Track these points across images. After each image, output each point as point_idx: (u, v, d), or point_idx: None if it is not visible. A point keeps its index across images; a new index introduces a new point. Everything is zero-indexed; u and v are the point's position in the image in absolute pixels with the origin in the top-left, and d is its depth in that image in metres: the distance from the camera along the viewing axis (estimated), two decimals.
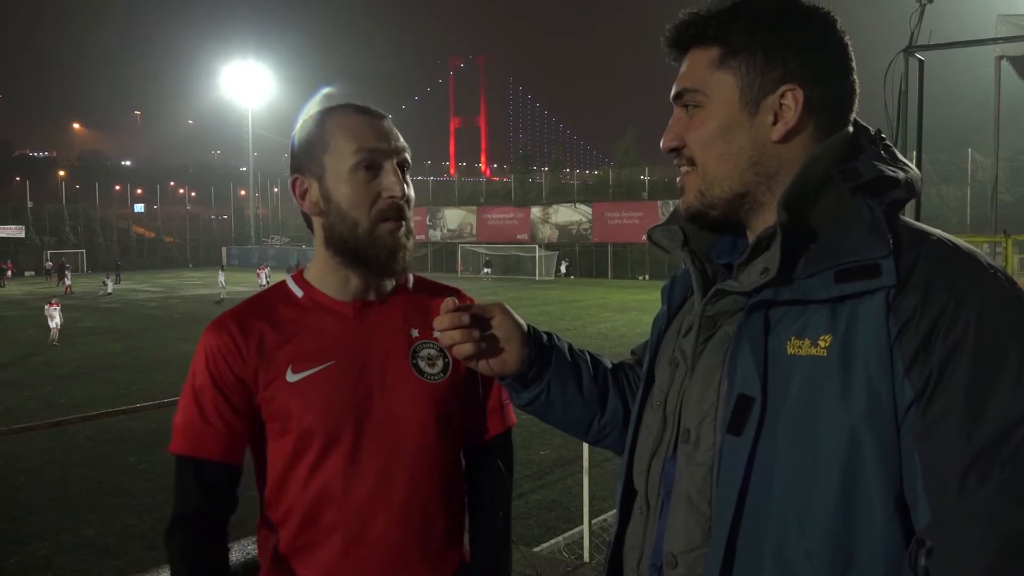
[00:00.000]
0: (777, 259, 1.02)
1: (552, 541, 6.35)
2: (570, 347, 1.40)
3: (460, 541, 1.57)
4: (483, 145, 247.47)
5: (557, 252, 50.62)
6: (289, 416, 1.42)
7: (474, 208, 58.20)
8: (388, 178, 1.42)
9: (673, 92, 1.16)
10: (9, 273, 49.83)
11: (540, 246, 51.44)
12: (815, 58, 1.08)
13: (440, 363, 1.51)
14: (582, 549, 5.88)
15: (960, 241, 1.02)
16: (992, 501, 0.88)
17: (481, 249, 53.76)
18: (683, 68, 1.15)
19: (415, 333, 1.51)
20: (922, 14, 5.65)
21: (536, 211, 54.00)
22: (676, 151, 1.16)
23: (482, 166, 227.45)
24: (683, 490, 1.12)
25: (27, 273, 51.78)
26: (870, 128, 1.14)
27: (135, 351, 19.62)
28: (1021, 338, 0.93)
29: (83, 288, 42.26)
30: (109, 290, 39.72)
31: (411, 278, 1.60)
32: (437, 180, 76.84)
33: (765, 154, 1.09)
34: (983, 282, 0.96)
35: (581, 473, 5.89)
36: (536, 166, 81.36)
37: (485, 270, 51.46)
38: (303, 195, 1.48)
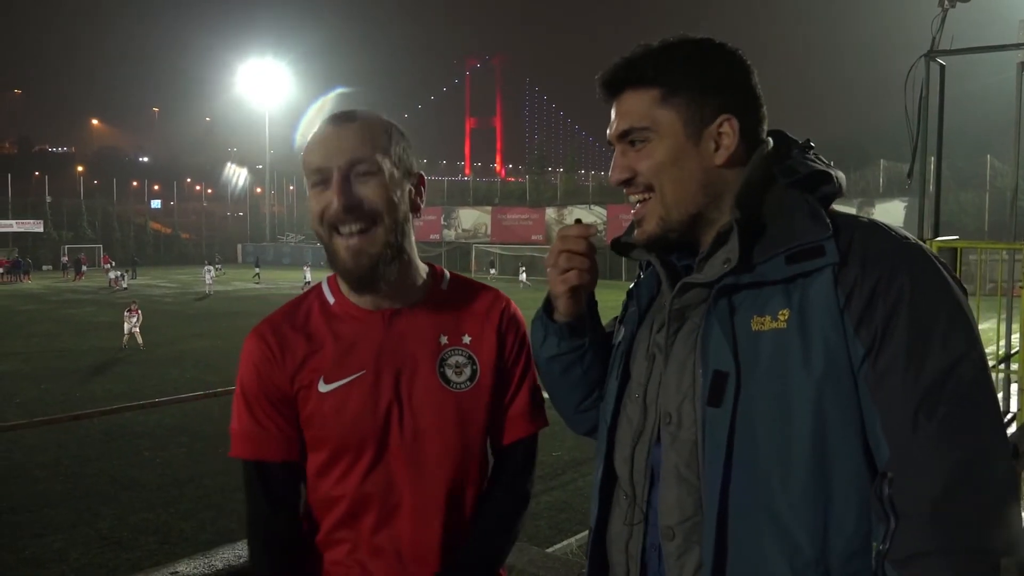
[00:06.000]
0: (737, 249, 1.18)
1: (564, 543, 6.36)
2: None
3: None
4: (498, 146, 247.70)
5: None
6: (323, 425, 1.45)
7: (489, 208, 58.33)
8: (327, 192, 1.39)
9: (617, 132, 1.28)
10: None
11: None
12: (742, 91, 1.26)
13: (467, 371, 1.49)
14: None
15: (886, 223, 1.19)
16: (940, 431, 1.05)
17: (495, 249, 53.84)
18: (621, 108, 1.28)
19: (444, 340, 1.49)
20: (944, 19, 5.62)
21: (551, 212, 54.05)
22: (628, 182, 1.28)
23: (497, 166, 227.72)
24: (671, 467, 1.23)
25: (44, 267, 52.17)
26: (798, 139, 1.30)
27: (149, 346, 19.74)
28: (945, 297, 1.12)
29: (97, 283, 42.57)
30: (124, 285, 40.00)
31: (446, 277, 1.58)
32: (452, 180, 76.88)
33: (711, 176, 1.24)
34: (910, 253, 1.14)
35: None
36: (551, 167, 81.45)
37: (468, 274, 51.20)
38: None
